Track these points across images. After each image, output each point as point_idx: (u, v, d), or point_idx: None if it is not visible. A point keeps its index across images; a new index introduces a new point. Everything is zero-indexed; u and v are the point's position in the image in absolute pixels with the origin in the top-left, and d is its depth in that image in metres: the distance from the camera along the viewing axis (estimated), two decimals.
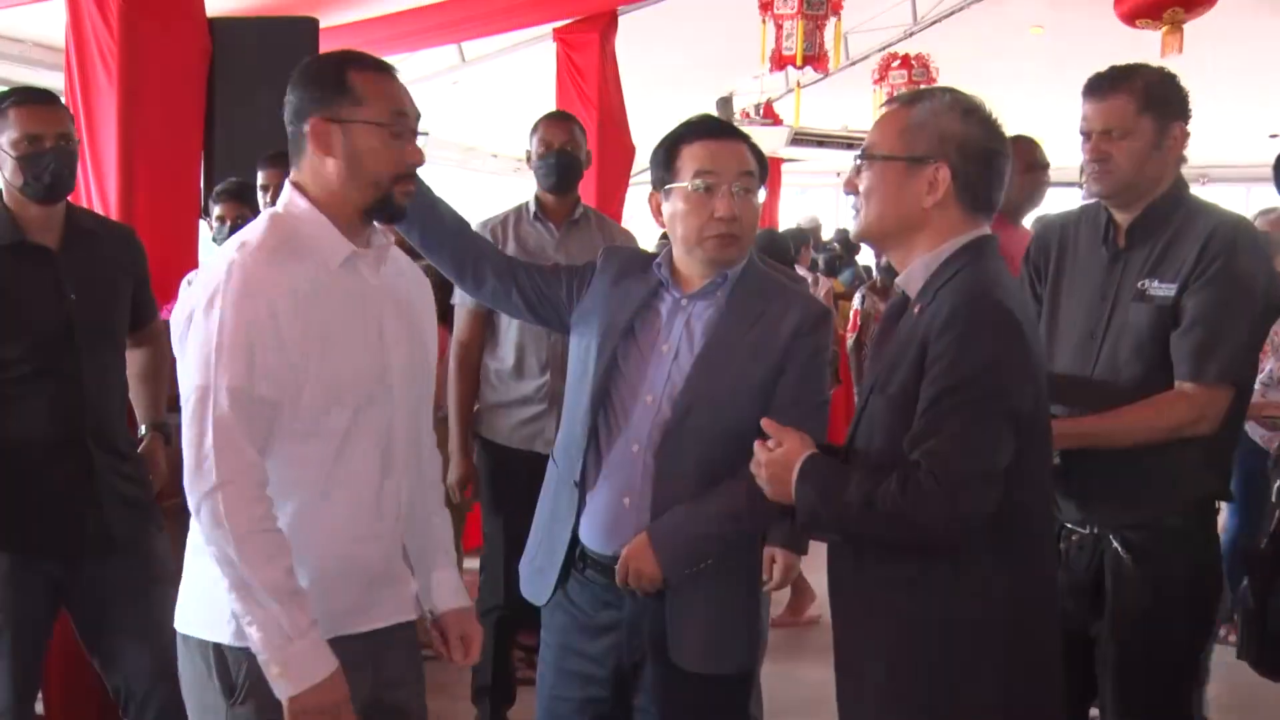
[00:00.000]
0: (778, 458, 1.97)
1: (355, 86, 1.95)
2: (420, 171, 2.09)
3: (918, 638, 1.94)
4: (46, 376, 2.76)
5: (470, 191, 10.31)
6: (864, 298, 7.17)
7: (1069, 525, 2.55)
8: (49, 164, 2.76)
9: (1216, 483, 2.55)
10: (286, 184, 2.04)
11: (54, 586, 2.88)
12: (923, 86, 9.37)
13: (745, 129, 2.80)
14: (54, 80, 5.97)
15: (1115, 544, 2.47)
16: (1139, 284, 2.48)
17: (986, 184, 1.97)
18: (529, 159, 3.96)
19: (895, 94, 10.78)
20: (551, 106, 7.36)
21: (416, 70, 8.09)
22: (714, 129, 2.34)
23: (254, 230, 1.98)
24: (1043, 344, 2.06)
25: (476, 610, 2.34)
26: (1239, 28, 8.41)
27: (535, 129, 3.95)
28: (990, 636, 1.92)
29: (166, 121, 4.32)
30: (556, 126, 3.92)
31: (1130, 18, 7.05)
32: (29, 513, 2.79)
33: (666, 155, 2.33)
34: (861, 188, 1.99)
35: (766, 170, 2.37)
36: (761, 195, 2.35)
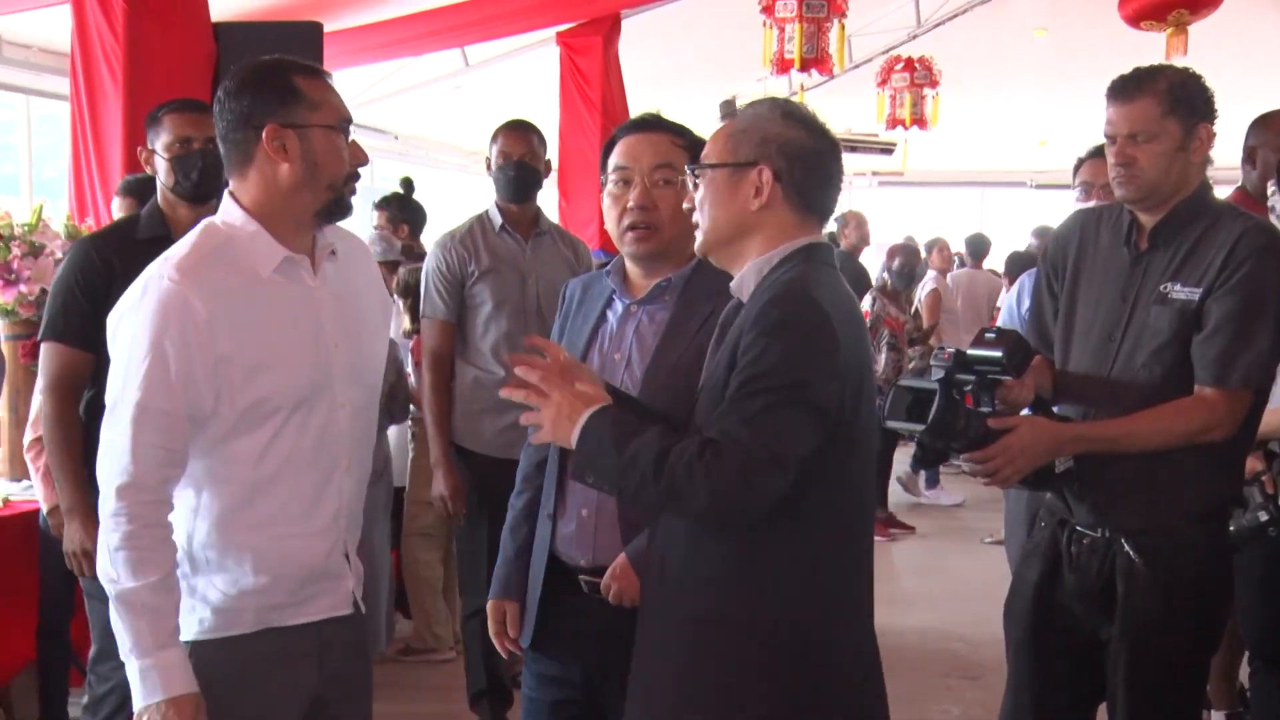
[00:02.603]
0: (575, 395, 1.90)
1: (306, 92, 1.99)
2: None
3: (706, 639, 1.91)
4: None
5: (472, 195, 10.32)
6: (874, 300, 7.17)
7: (1080, 528, 2.54)
8: (196, 163, 2.99)
9: (1229, 488, 2.53)
10: (225, 194, 2.06)
11: None
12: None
13: None
14: (59, 85, 5.99)
15: (1127, 548, 2.46)
16: (1160, 287, 2.46)
17: (813, 184, 1.95)
18: (488, 167, 3.97)
19: (897, 97, 10.71)
20: (555, 110, 7.37)
21: (420, 74, 7.82)
22: (636, 125, 2.31)
23: (183, 244, 2.00)
24: (869, 349, 1.95)
25: (462, 614, 2.29)
26: (1244, 29, 8.40)
27: (495, 138, 3.94)
28: (776, 641, 1.87)
29: None
30: (515, 137, 3.91)
31: (1134, 19, 7.03)
32: None
33: (602, 161, 2.32)
34: (698, 200, 1.98)
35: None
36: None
